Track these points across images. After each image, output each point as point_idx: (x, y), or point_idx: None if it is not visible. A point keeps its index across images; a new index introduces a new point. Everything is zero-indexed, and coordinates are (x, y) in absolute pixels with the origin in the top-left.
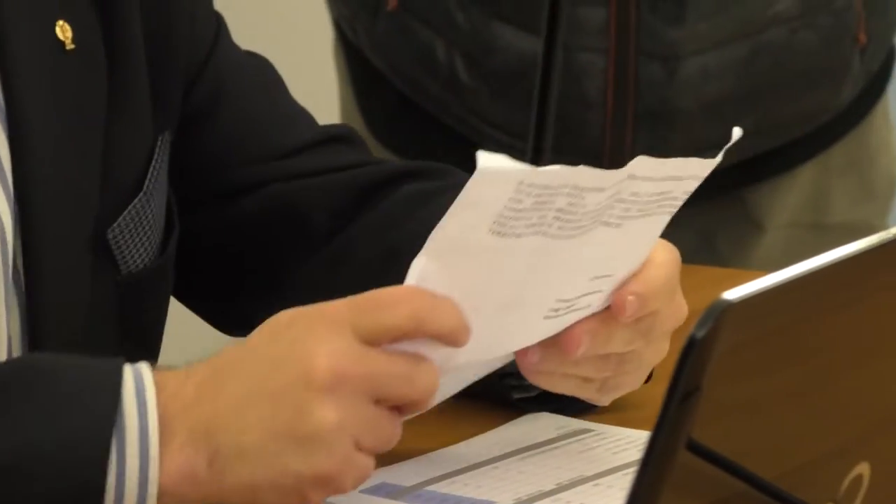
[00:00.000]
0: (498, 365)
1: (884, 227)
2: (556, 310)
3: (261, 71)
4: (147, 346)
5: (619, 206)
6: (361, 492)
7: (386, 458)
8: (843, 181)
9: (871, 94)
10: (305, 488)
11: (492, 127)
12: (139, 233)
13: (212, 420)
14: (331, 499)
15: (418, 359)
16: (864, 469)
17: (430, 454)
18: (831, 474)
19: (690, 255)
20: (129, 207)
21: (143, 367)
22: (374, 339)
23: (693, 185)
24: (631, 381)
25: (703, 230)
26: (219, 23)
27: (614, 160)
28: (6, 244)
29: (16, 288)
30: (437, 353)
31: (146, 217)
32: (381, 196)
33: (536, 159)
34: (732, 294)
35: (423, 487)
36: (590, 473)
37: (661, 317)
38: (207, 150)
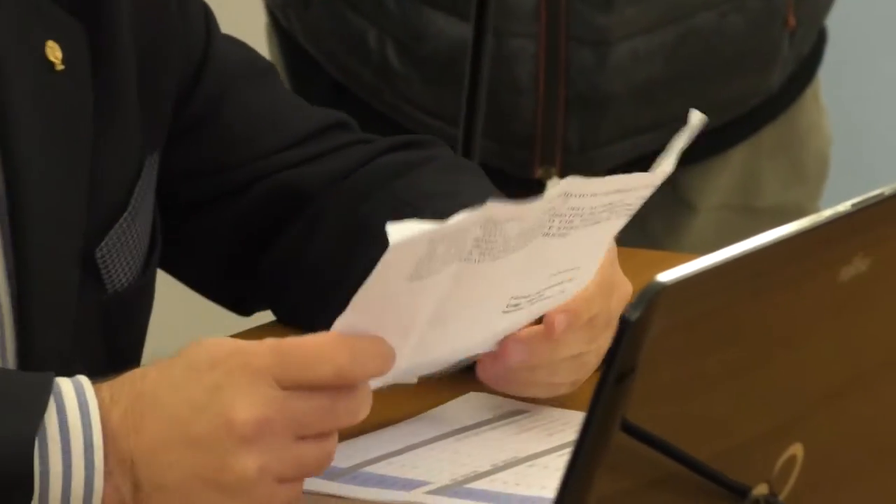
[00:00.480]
0: (462, 361)
1: (815, 209)
2: (517, 304)
3: (253, 67)
4: (129, 360)
5: (558, 220)
6: None
7: None
8: (774, 164)
9: (802, 77)
10: None
11: (424, 113)
12: (124, 251)
13: (134, 453)
14: None
15: (335, 393)
16: (797, 450)
17: (366, 435)
18: (765, 455)
19: (623, 237)
20: (115, 226)
21: (84, 381)
22: (296, 389)
23: (648, 193)
24: (582, 375)
25: (638, 213)
26: (208, 24)
27: (546, 145)
28: (1, 266)
29: (11, 303)
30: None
31: (131, 236)
32: (366, 180)
33: (467, 145)
34: (665, 276)
35: (359, 469)
36: (525, 454)
37: (602, 316)
38: (209, 152)
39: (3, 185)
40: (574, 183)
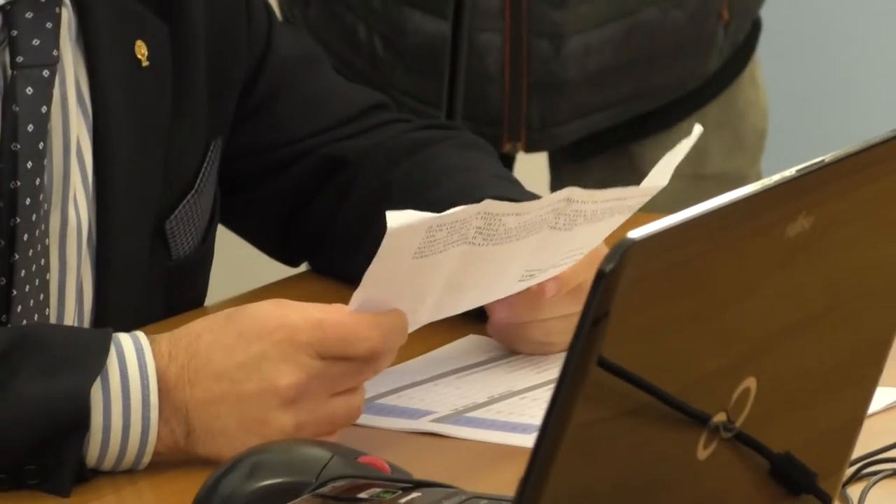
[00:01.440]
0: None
1: (755, 174)
2: (531, 275)
3: (307, 56)
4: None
5: (563, 218)
6: None
7: None
8: (718, 136)
9: (737, 62)
10: None
11: (408, 97)
12: (189, 224)
13: (189, 404)
14: None
15: (370, 356)
16: (751, 383)
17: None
18: (723, 388)
19: None
20: (183, 203)
21: (143, 339)
22: (330, 358)
23: (643, 202)
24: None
25: (600, 180)
26: (270, 19)
27: (512, 124)
28: (85, 234)
29: (91, 264)
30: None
31: (195, 211)
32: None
33: None
34: (635, 234)
35: (373, 401)
36: (517, 388)
37: (589, 282)
38: (267, 133)
39: (93, 165)
40: (575, 192)
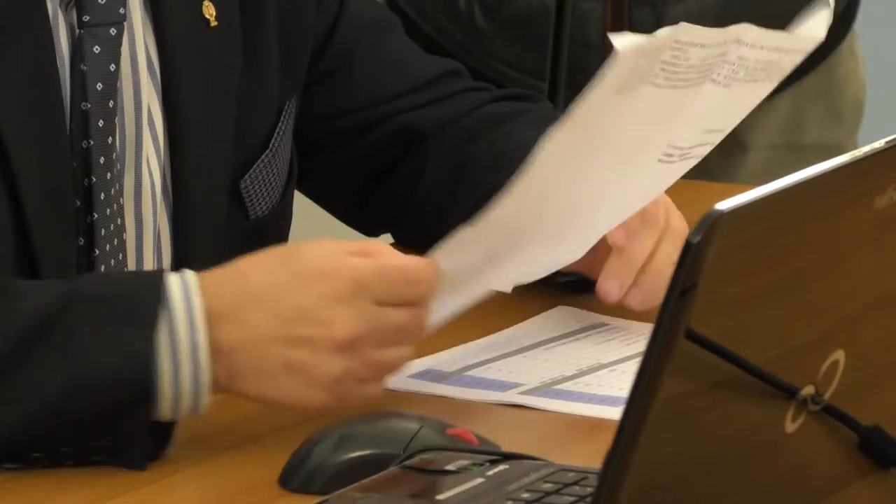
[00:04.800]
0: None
1: (852, 146)
2: (671, 155)
3: (380, 21)
4: None
5: (727, 67)
6: (410, 377)
7: (430, 348)
8: (816, 106)
9: (837, 32)
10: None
11: (507, 67)
12: (265, 184)
13: (234, 343)
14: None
15: (418, 310)
16: (839, 356)
17: (468, 344)
18: (811, 361)
19: (686, 173)
20: (258, 162)
21: (191, 282)
22: (389, 304)
23: (799, 58)
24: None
25: None
26: None
27: None
28: (160, 195)
29: (170, 224)
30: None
31: (271, 171)
32: (484, 124)
33: (553, 95)
34: (723, 205)
35: (462, 373)
36: (606, 361)
37: (659, 247)
38: (340, 97)
39: (165, 126)
40: (746, 30)
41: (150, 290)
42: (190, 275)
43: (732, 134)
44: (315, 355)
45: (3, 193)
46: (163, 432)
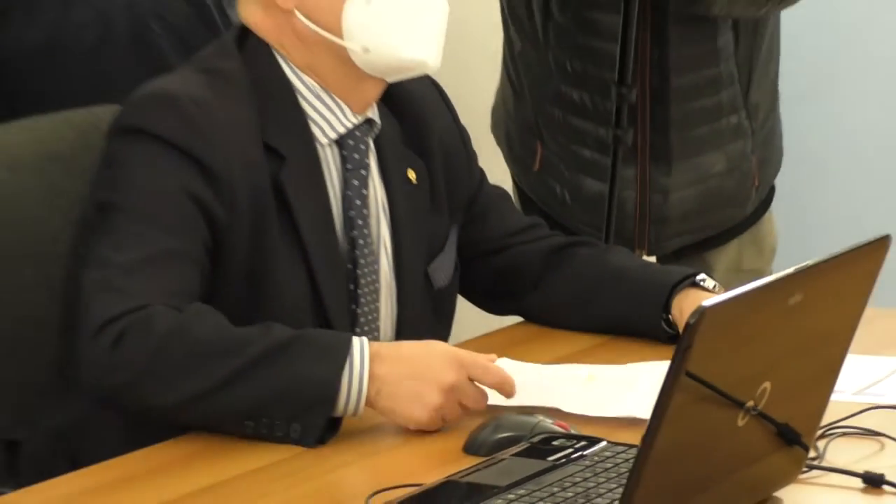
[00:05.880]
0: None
1: (769, 272)
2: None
3: (500, 193)
4: (442, 335)
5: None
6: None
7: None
8: (750, 249)
9: (761, 209)
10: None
11: (584, 226)
12: (442, 269)
13: (384, 376)
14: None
15: (491, 386)
16: (768, 384)
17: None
18: (752, 386)
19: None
20: (437, 258)
21: (365, 345)
22: (472, 379)
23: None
24: None
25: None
26: (481, 174)
27: (639, 241)
28: (390, 272)
29: (392, 296)
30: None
31: (444, 264)
32: (564, 254)
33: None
34: (707, 302)
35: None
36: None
37: None
38: (479, 233)
39: (391, 234)
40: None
41: (345, 343)
42: (365, 339)
43: (706, 264)
44: (428, 391)
45: (302, 266)
46: (333, 425)
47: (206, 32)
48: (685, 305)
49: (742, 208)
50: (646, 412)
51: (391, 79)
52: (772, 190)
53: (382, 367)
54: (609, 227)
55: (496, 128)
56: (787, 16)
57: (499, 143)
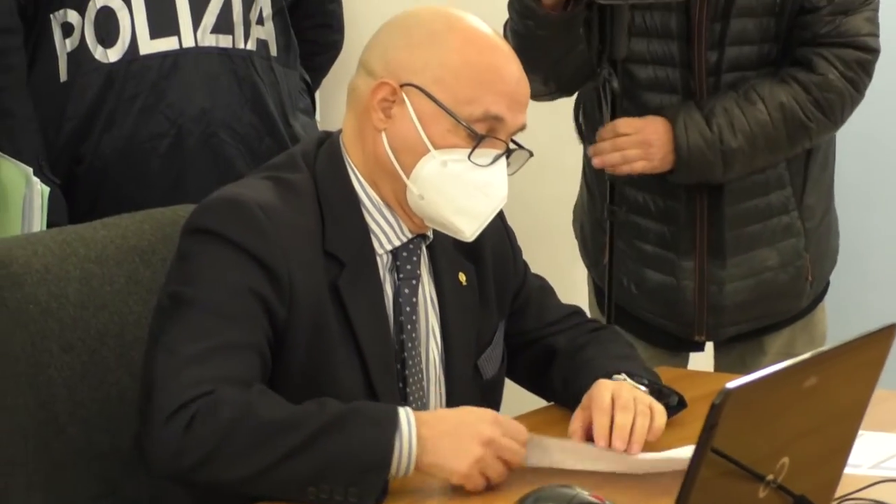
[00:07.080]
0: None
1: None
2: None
3: (543, 286)
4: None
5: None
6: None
7: None
8: (802, 336)
9: (815, 302)
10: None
11: (648, 313)
12: (490, 362)
13: (428, 439)
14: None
15: (519, 447)
16: (786, 460)
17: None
18: (772, 461)
19: (737, 367)
20: (486, 351)
21: (411, 415)
22: (507, 437)
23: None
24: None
25: (740, 355)
26: (525, 267)
27: (699, 328)
28: (439, 364)
29: (440, 387)
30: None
31: (493, 355)
32: (577, 341)
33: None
34: (732, 384)
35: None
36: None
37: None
38: (520, 325)
39: (440, 331)
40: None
41: (393, 412)
42: (409, 408)
43: (762, 347)
44: (468, 443)
45: (357, 364)
46: (385, 488)
47: (272, 141)
48: (594, 391)
49: (797, 301)
50: (681, 462)
51: (429, 225)
52: (827, 284)
53: (425, 428)
54: (610, 308)
55: (575, 223)
56: None
57: (576, 238)
